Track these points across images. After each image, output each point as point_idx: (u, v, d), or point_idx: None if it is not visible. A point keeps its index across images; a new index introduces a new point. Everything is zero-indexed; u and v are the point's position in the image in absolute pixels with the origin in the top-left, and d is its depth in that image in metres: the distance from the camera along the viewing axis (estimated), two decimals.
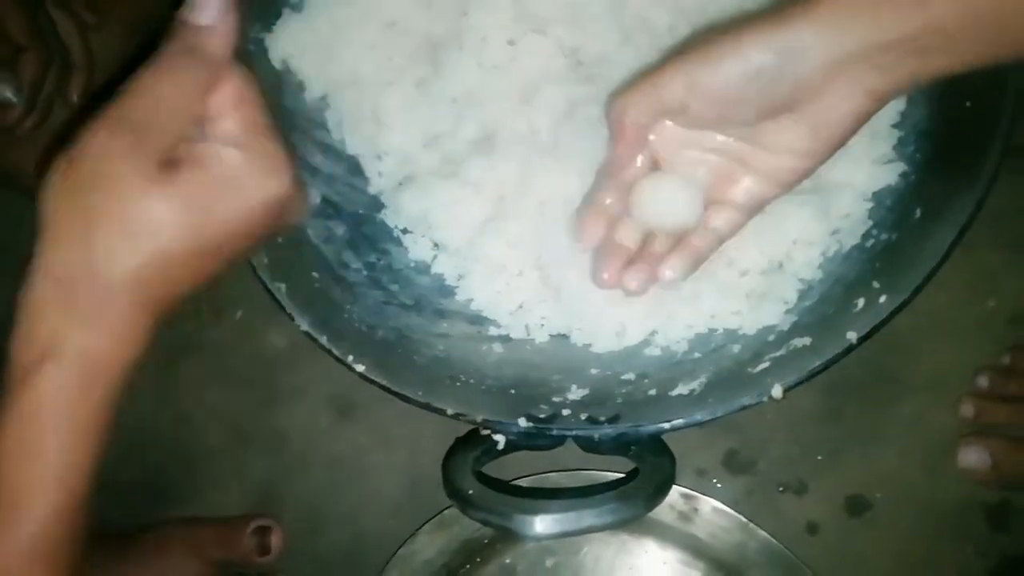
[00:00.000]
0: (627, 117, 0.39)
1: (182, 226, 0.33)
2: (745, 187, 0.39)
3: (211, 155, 0.34)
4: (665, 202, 0.40)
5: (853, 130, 0.37)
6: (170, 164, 0.33)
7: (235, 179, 0.34)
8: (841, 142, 0.37)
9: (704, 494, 0.51)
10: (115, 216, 0.32)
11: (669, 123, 0.39)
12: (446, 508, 0.52)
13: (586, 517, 0.40)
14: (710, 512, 0.51)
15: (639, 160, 0.40)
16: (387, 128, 0.52)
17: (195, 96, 0.34)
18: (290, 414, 0.59)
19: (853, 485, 0.53)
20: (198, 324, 0.60)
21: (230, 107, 0.35)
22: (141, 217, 0.32)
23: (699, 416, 0.43)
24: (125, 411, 0.58)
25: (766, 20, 0.35)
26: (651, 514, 0.43)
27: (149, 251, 0.33)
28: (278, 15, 0.55)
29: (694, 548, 0.51)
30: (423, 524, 0.53)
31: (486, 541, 0.52)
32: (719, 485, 0.54)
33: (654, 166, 0.41)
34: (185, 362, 0.59)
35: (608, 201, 0.42)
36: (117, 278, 0.33)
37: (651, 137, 0.40)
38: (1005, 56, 0.33)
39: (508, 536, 0.50)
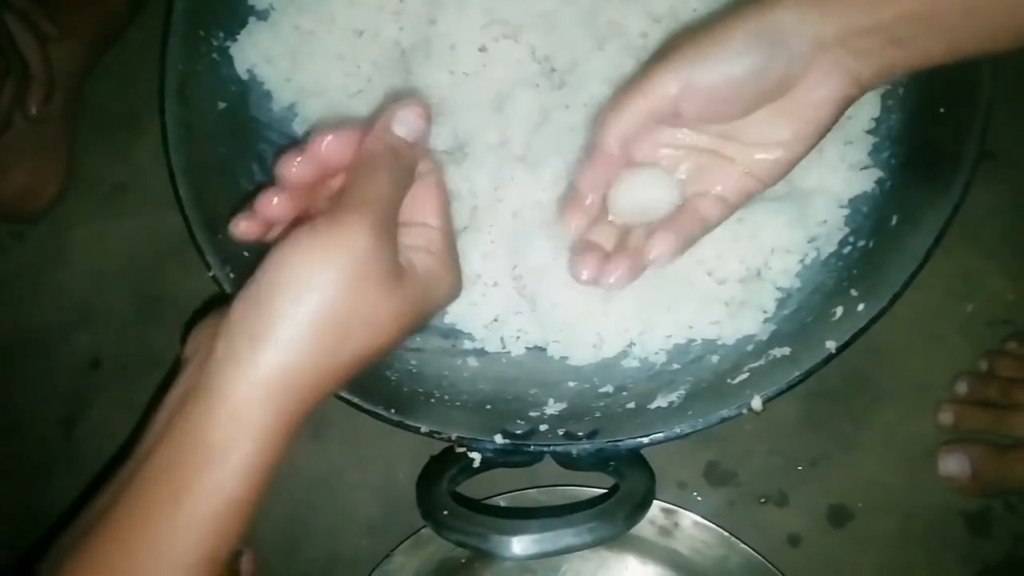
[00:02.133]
0: (615, 131, 0.38)
1: (398, 327, 0.34)
2: (727, 181, 0.39)
3: (420, 262, 0.36)
4: (643, 192, 0.39)
5: (835, 116, 0.37)
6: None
7: (434, 286, 0.36)
8: (824, 128, 0.37)
9: (685, 507, 0.50)
10: (361, 313, 0.32)
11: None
12: (422, 527, 0.51)
13: (564, 537, 0.39)
14: (691, 526, 0.50)
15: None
16: None
17: (402, 198, 0.36)
18: None
19: (835, 495, 0.53)
20: (169, 341, 0.58)
21: (432, 215, 0.37)
22: (378, 317, 0.33)
23: (678, 429, 0.42)
24: (96, 433, 0.57)
25: (749, 10, 0.35)
26: (632, 530, 0.42)
27: (368, 348, 0.33)
28: (243, 23, 0.54)
29: (675, 563, 0.50)
30: (399, 543, 0.51)
31: (463, 560, 0.51)
32: (699, 498, 0.53)
33: (630, 163, 0.40)
34: (157, 376, 0.57)
35: (588, 200, 0.41)
36: (326, 373, 0.32)
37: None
38: (980, 48, 0.34)
39: (486, 556, 0.48)
